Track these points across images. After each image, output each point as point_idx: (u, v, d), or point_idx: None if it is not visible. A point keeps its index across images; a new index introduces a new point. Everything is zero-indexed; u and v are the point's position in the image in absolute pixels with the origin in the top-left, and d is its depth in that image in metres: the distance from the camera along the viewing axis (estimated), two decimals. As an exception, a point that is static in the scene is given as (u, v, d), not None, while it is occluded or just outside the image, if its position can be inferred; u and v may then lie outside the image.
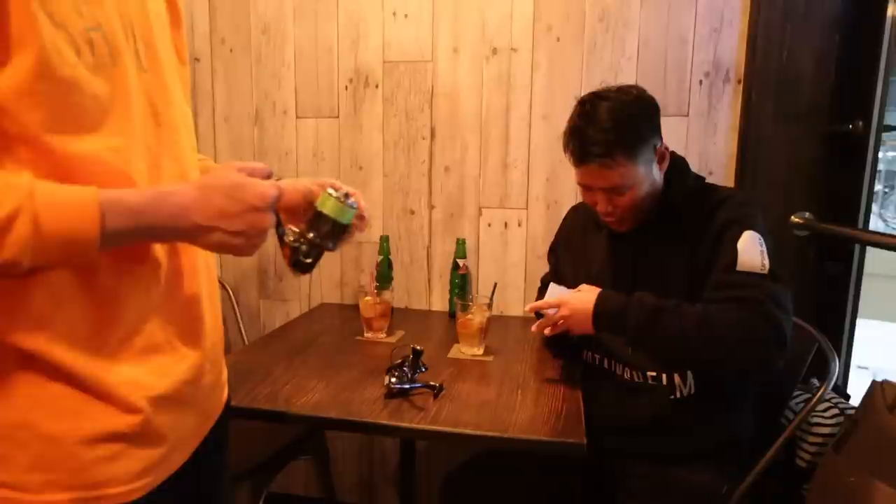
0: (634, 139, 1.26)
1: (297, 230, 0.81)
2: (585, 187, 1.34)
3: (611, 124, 1.24)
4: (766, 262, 1.22)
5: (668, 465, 1.32)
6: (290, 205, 0.89)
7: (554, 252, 1.67)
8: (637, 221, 1.36)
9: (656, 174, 1.32)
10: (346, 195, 0.83)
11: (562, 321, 1.33)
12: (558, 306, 1.33)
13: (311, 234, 0.81)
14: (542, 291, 1.59)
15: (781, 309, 1.19)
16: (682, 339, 1.22)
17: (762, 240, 1.24)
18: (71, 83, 0.59)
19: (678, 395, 1.32)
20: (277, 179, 0.79)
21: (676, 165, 1.37)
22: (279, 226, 0.78)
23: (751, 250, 1.23)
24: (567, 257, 1.58)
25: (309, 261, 0.81)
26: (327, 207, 0.81)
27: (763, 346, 1.18)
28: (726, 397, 1.34)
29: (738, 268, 1.22)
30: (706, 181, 1.40)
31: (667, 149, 1.33)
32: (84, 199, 0.59)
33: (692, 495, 1.30)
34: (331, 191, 0.82)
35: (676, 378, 1.32)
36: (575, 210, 1.65)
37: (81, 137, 0.61)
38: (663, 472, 1.32)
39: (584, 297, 1.31)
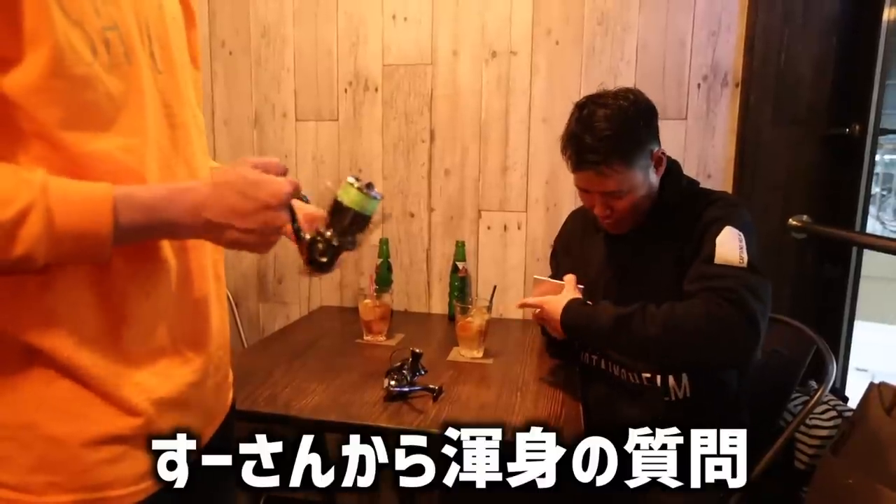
0: (631, 146, 1.27)
1: (314, 227, 0.78)
2: (583, 190, 1.36)
3: (608, 132, 1.24)
4: (745, 256, 1.21)
5: None
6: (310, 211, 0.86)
7: (555, 257, 1.68)
8: (634, 224, 1.37)
9: (653, 178, 1.33)
10: (369, 185, 0.77)
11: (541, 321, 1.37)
12: (539, 307, 1.35)
13: (328, 233, 0.77)
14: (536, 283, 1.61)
15: (756, 297, 1.16)
16: (649, 342, 1.20)
17: (742, 235, 1.24)
18: (86, 81, 0.59)
19: (672, 397, 1.32)
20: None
21: (670, 169, 1.37)
22: (295, 224, 0.75)
23: (729, 244, 1.23)
24: (566, 262, 1.58)
25: (324, 260, 0.78)
26: (348, 198, 0.76)
27: (736, 336, 1.15)
28: (722, 400, 1.33)
29: (716, 260, 1.22)
30: (700, 185, 1.41)
31: (663, 153, 1.34)
32: (97, 194, 0.59)
33: (689, 497, 1.30)
34: (352, 180, 0.77)
35: (671, 380, 1.32)
36: (574, 215, 1.66)
37: (96, 136, 0.61)
38: None
39: (557, 303, 1.32)
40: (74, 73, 0.58)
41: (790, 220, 1.74)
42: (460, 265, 1.89)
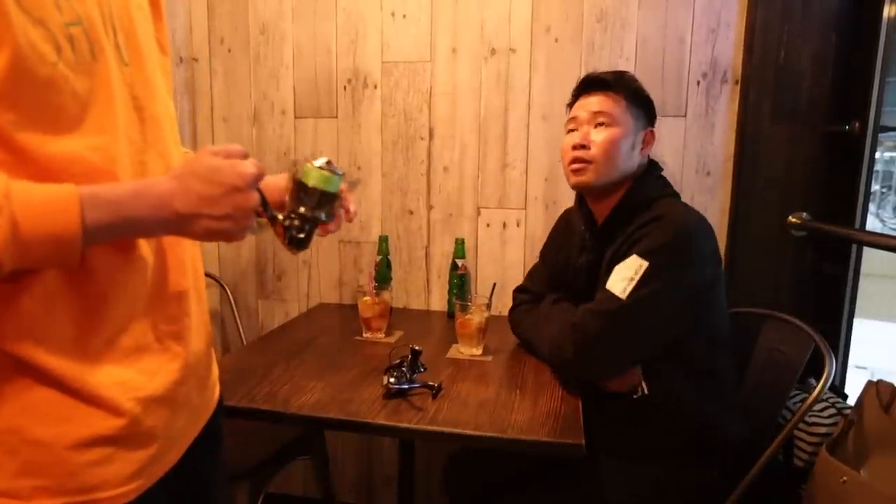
0: (639, 94, 1.39)
1: (286, 207, 0.79)
2: (574, 123, 1.41)
3: (627, 75, 1.39)
4: (630, 290, 1.21)
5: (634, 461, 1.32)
6: (276, 189, 0.86)
7: (543, 258, 1.70)
8: (601, 177, 1.36)
9: (637, 147, 1.38)
10: (329, 162, 0.79)
11: None
12: None
13: (301, 209, 0.78)
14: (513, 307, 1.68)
15: (598, 343, 1.25)
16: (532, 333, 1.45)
17: (642, 269, 1.21)
18: (49, 82, 0.58)
19: (638, 394, 1.32)
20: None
21: (649, 170, 1.41)
22: (267, 207, 0.75)
23: (622, 273, 1.24)
24: (549, 264, 1.64)
25: (302, 235, 0.79)
26: (312, 179, 0.78)
27: (566, 359, 1.32)
28: (671, 403, 1.31)
29: (607, 285, 1.26)
30: (670, 192, 1.41)
31: (654, 138, 1.42)
32: (62, 195, 0.57)
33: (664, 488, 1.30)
34: (315, 162, 0.79)
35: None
36: (561, 217, 1.70)
37: (61, 137, 0.60)
38: (631, 466, 1.32)
39: None
40: (37, 74, 0.56)
41: (789, 217, 1.74)
42: (459, 262, 1.89)
